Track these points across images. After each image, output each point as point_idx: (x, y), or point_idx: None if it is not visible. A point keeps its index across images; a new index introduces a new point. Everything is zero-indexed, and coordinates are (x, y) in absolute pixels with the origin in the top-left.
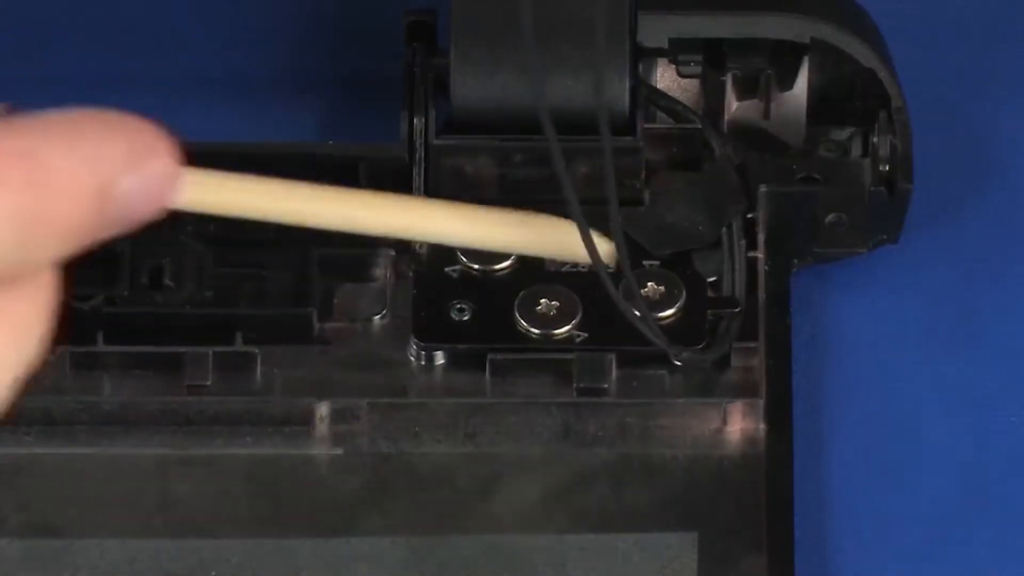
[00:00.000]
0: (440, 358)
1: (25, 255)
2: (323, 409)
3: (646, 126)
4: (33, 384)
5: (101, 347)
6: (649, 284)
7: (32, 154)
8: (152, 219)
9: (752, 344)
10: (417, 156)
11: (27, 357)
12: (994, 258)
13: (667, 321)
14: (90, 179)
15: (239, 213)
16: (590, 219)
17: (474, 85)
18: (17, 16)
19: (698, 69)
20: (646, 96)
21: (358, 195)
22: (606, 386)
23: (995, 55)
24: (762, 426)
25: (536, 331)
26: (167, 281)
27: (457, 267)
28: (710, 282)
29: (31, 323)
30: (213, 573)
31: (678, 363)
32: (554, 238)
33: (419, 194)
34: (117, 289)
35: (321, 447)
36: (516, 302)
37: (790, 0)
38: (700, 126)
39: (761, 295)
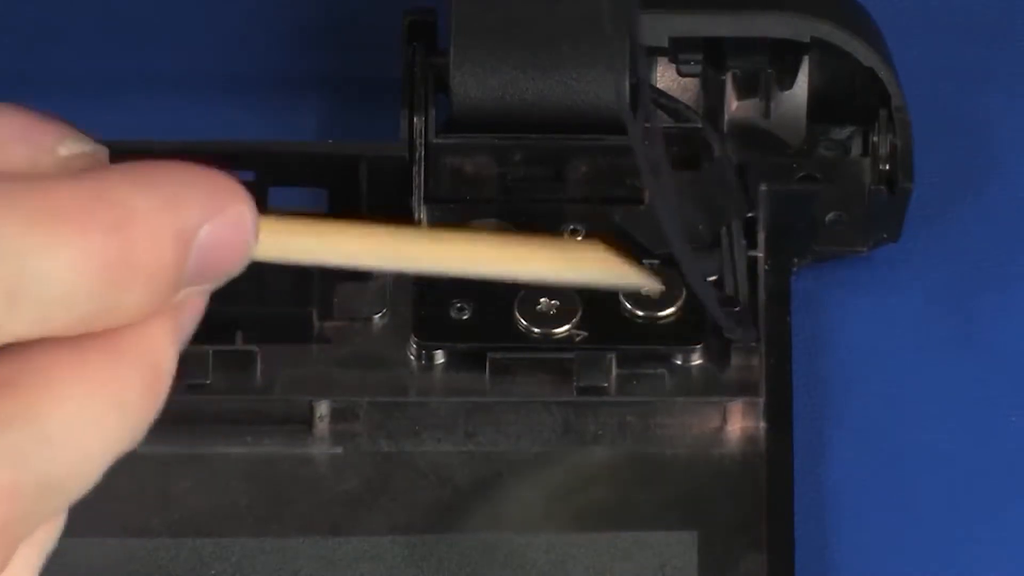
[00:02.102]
0: (440, 357)
1: (111, 302)
2: (323, 408)
3: (646, 125)
4: None
5: None
6: None
7: (116, 198)
8: (236, 273)
9: (752, 343)
10: (417, 155)
11: (127, 433)
12: (994, 258)
13: (667, 320)
14: (172, 223)
15: (320, 259)
16: (591, 218)
17: (474, 84)
18: (18, 16)
19: (698, 68)
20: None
21: (403, 234)
22: (606, 385)
23: (995, 54)
24: (762, 425)
25: (536, 330)
26: None
27: None
28: (710, 281)
29: (132, 395)
30: (213, 572)
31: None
32: (599, 266)
33: (419, 193)
34: None
35: (321, 446)
36: (516, 301)
37: None
38: (700, 125)
39: (761, 294)
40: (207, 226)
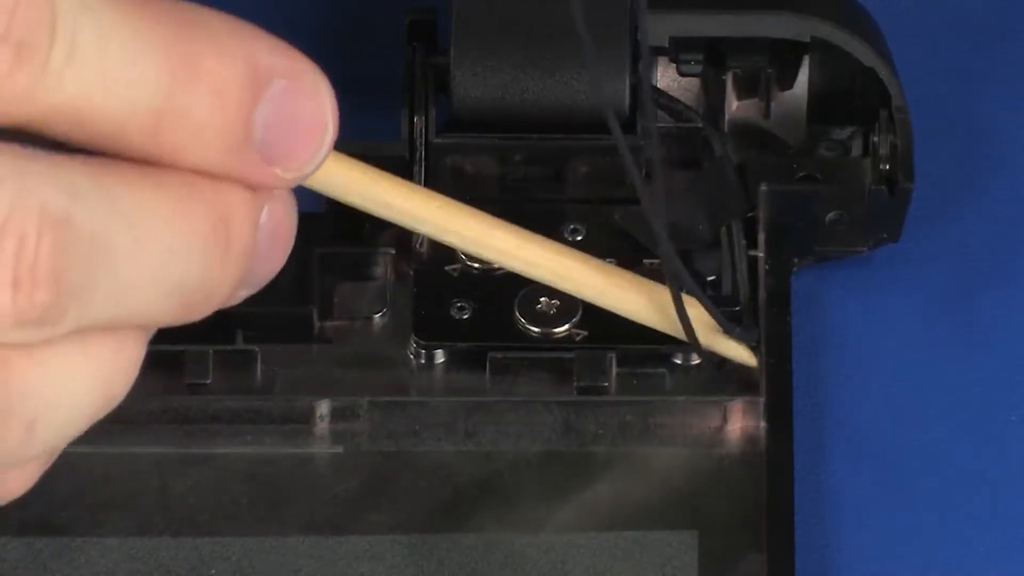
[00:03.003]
0: (440, 356)
1: (172, 99)
2: (323, 407)
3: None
4: None
5: None
6: None
7: (191, 9)
8: (312, 166)
9: (753, 344)
10: (417, 155)
11: (186, 268)
12: (994, 258)
13: None
14: (244, 49)
15: (378, 206)
16: (591, 218)
17: (474, 84)
18: None
19: (698, 68)
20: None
21: (492, 223)
22: (606, 384)
23: (995, 54)
24: (762, 424)
25: (536, 329)
26: None
27: (457, 266)
28: (710, 281)
29: (196, 231)
30: (213, 571)
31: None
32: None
33: None
34: None
35: (321, 445)
36: (516, 300)
37: None
38: (700, 125)
39: (761, 294)
40: (283, 81)
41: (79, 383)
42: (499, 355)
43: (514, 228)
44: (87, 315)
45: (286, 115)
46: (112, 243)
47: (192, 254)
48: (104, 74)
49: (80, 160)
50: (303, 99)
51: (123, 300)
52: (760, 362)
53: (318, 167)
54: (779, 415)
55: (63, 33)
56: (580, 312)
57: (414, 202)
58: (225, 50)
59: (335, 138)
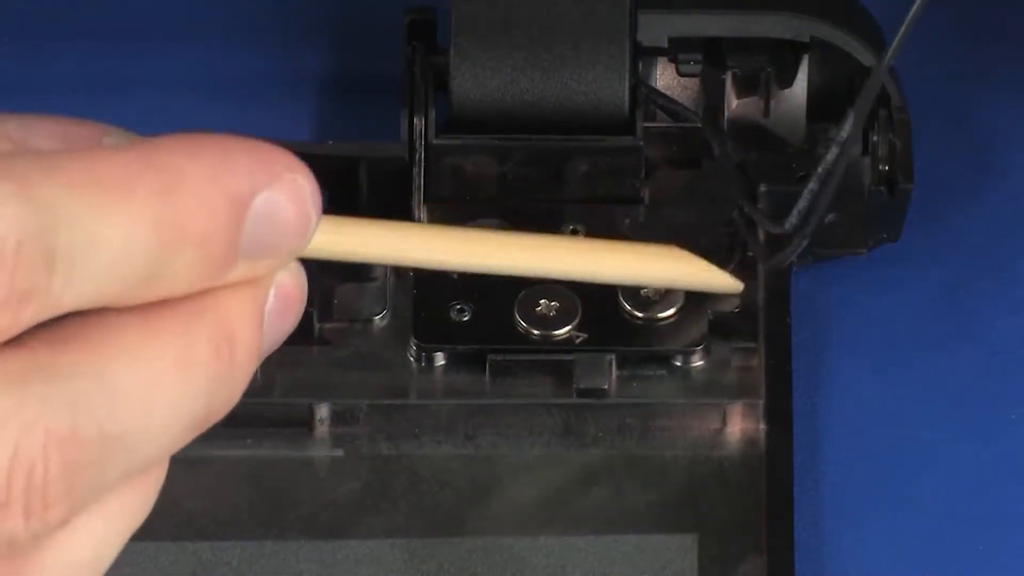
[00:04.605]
0: (440, 359)
1: (162, 267)
2: (323, 410)
3: (646, 125)
4: None
5: None
6: None
7: (163, 164)
8: (300, 248)
9: (752, 344)
10: (417, 155)
11: (195, 399)
12: (994, 257)
13: (666, 321)
14: (222, 188)
15: (385, 255)
16: (591, 218)
17: (474, 84)
18: (17, 16)
19: (698, 68)
20: (646, 95)
21: (485, 236)
22: (606, 387)
23: (995, 55)
24: (762, 426)
25: (536, 332)
26: None
27: None
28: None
29: (200, 358)
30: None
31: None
32: (679, 268)
33: (419, 194)
34: None
35: (321, 449)
36: (516, 303)
37: None
38: (699, 125)
39: (761, 294)
40: (263, 194)
41: (98, 537)
42: (499, 357)
43: (516, 237)
44: (103, 493)
45: (270, 223)
46: (120, 428)
47: (197, 375)
48: (99, 271)
49: (76, 349)
50: (284, 203)
51: (137, 456)
52: (760, 364)
53: (305, 247)
54: (778, 417)
55: (62, 263)
56: (580, 314)
57: (423, 241)
58: (204, 198)
59: (319, 219)
